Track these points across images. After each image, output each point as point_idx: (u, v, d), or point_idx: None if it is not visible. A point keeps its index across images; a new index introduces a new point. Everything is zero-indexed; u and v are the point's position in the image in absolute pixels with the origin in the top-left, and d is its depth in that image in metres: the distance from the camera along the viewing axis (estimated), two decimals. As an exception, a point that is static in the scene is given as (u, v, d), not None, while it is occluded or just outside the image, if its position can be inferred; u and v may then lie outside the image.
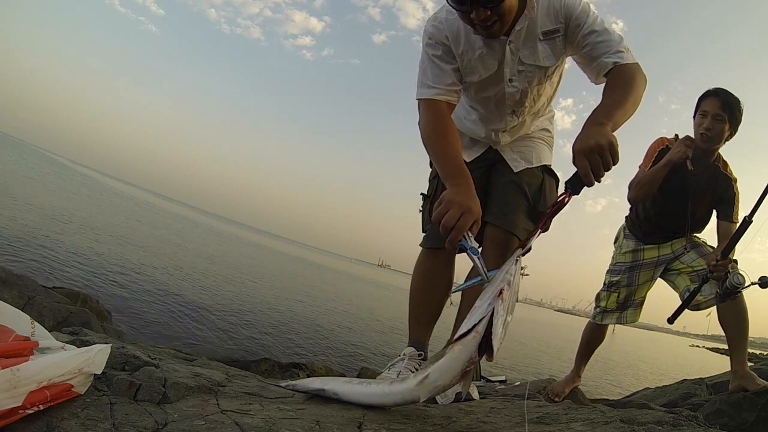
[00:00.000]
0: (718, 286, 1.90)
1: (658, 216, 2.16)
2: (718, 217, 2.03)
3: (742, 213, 1.96)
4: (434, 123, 1.31)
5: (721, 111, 1.91)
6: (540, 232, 1.11)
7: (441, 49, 1.35)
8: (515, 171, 1.55)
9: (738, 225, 1.88)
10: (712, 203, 2.02)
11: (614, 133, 1.03)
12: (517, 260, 1.02)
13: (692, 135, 2.08)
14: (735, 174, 2.03)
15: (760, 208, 1.84)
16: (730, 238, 1.88)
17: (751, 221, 1.83)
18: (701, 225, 2.11)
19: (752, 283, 1.84)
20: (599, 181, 1.00)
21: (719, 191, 2.00)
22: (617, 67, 1.21)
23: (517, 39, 1.29)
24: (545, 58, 1.33)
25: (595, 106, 1.15)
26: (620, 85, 1.18)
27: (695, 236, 2.17)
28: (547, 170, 1.61)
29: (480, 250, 1.08)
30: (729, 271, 1.83)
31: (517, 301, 1.03)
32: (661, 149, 2.09)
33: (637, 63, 1.23)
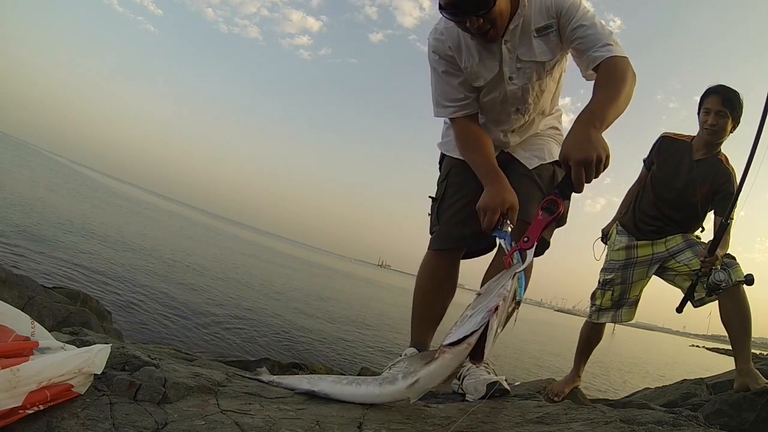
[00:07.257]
0: (704, 282, 1.96)
1: (659, 202, 2.17)
2: (714, 213, 2.08)
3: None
4: (461, 138, 1.44)
5: (722, 107, 2.01)
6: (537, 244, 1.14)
7: (446, 63, 1.39)
8: (530, 168, 1.56)
9: (724, 224, 1.92)
10: (710, 192, 2.06)
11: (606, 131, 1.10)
12: (514, 275, 1.03)
13: (694, 133, 2.17)
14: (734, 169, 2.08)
15: (736, 209, 1.92)
16: (713, 237, 1.96)
17: (728, 223, 1.92)
18: (698, 213, 2.13)
19: (738, 281, 1.91)
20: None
21: (718, 182, 2.05)
22: (606, 60, 1.23)
23: (512, 37, 1.33)
24: (541, 53, 1.36)
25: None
26: (611, 83, 1.20)
27: (692, 235, 2.18)
28: (557, 163, 1.61)
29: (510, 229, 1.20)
30: (712, 269, 1.91)
31: (521, 303, 1.06)
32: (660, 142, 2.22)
33: (626, 57, 1.25)
